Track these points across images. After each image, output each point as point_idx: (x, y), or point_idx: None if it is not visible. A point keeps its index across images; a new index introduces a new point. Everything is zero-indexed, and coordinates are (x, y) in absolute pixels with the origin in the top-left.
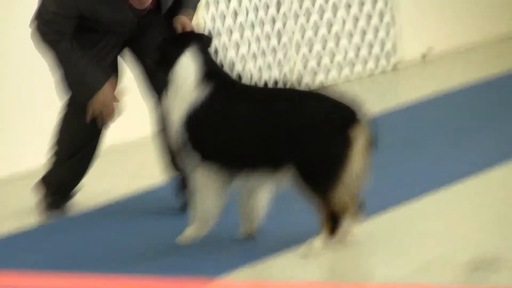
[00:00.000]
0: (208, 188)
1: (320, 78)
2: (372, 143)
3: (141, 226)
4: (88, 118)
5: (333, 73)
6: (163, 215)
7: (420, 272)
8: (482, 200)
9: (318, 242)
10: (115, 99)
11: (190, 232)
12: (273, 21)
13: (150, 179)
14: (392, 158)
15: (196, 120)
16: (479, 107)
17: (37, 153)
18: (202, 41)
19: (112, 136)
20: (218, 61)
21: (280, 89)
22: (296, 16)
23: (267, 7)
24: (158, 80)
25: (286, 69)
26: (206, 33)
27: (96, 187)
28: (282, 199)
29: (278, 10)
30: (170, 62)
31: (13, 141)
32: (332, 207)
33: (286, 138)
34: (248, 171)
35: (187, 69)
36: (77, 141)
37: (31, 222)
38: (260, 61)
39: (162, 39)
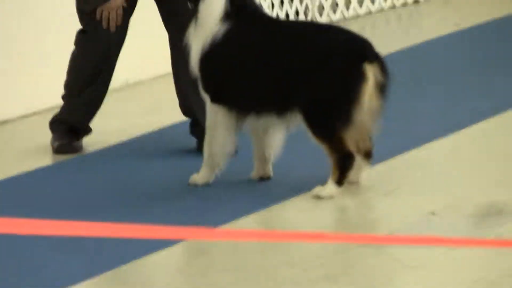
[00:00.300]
0: (219, 126)
1: (341, 10)
2: (387, 81)
3: (154, 166)
4: (98, 17)
5: (355, 5)
6: (177, 154)
7: (429, 220)
8: (492, 144)
9: (329, 185)
10: (122, 3)
11: (201, 174)
12: None
13: (166, 117)
14: (406, 97)
15: (209, 59)
16: (498, 45)
17: (52, 91)
18: None
19: (128, 73)
20: None
21: (297, 24)
22: None
23: None
24: (177, 19)
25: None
26: None
27: (110, 126)
28: (296, 140)
29: None
30: None
31: (28, 80)
32: (343, 149)
33: (296, 77)
34: (256, 113)
35: (214, 3)
36: (85, 76)
37: (46, 161)
38: None
39: None
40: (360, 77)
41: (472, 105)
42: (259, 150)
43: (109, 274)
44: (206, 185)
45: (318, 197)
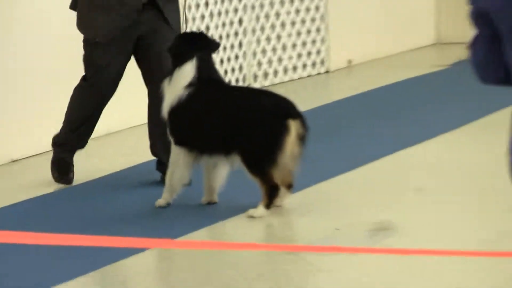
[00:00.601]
0: (180, 163)
1: (270, 78)
2: (306, 133)
3: (128, 194)
4: None
5: (281, 74)
6: (146, 185)
7: (334, 234)
8: (382, 179)
9: (260, 208)
10: None
11: (163, 197)
12: (236, 34)
13: (138, 158)
14: (319, 141)
15: (175, 113)
16: (393, 102)
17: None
18: (210, 47)
19: (108, 123)
20: (212, 66)
21: (240, 89)
22: (254, 31)
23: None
24: (154, 76)
25: (245, 71)
26: (214, 39)
27: (93, 165)
28: (235, 175)
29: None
30: (177, 62)
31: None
32: (270, 183)
33: (235, 130)
34: (208, 154)
35: (185, 72)
36: (81, 116)
37: (46, 192)
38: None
39: (178, 39)
40: (284, 131)
41: (369, 148)
42: (208, 181)
43: (90, 275)
44: (167, 205)
45: (251, 217)
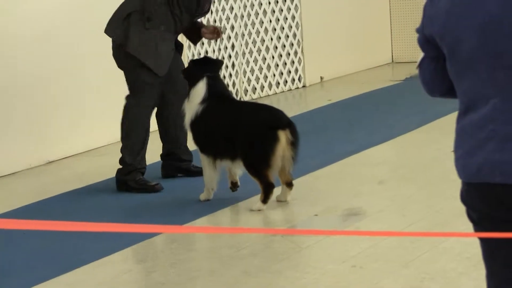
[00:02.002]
0: (206, 166)
1: (258, 91)
2: (296, 140)
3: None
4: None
5: (266, 90)
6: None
7: (314, 219)
8: (359, 171)
9: (258, 203)
10: None
11: (204, 194)
12: (229, 57)
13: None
14: (302, 143)
15: (195, 125)
16: (359, 110)
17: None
18: (216, 67)
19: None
20: (221, 82)
21: (243, 104)
22: (244, 54)
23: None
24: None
25: (237, 86)
26: (218, 58)
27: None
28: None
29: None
30: (192, 83)
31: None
32: (266, 182)
33: (237, 139)
34: (219, 159)
35: (199, 90)
36: (145, 128)
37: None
38: None
39: (190, 64)
40: (274, 140)
41: (341, 148)
42: (230, 176)
43: (118, 253)
44: (208, 200)
45: (251, 210)
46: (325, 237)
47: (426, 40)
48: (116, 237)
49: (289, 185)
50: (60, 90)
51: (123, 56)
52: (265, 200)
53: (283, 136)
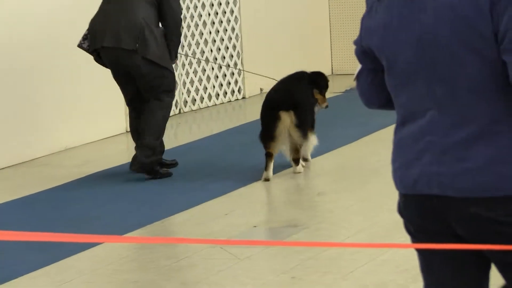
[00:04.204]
0: None
1: (197, 103)
2: (298, 121)
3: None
4: None
5: (206, 101)
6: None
7: (253, 230)
8: (299, 182)
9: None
10: None
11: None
12: None
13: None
14: (239, 155)
15: None
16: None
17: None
18: None
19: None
20: None
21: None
22: (183, 65)
23: None
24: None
25: (176, 98)
26: None
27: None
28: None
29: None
30: None
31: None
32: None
33: None
34: None
35: None
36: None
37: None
38: None
39: None
40: (276, 119)
41: (279, 159)
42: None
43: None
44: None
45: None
46: (264, 248)
47: (363, 52)
48: (54, 247)
49: (296, 161)
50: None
51: (145, 63)
52: (266, 167)
53: (285, 117)
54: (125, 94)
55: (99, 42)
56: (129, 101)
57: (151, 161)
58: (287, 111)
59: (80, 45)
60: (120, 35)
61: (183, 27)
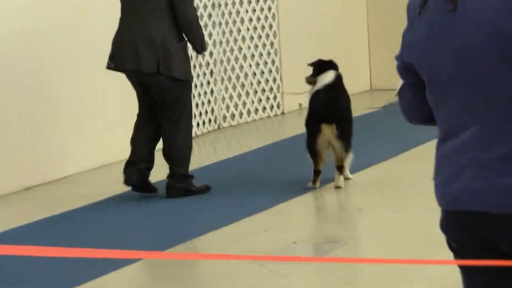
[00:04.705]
0: None
1: (236, 119)
2: (340, 134)
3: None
4: None
5: (245, 116)
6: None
7: (292, 246)
8: (338, 198)
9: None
10: None
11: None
12: (208, 83)
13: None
14: (279, 170)
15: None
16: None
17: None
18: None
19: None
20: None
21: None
22: (222, 80)
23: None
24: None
25: (216, 113)
26: None
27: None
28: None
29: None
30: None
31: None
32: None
33: None
34: None
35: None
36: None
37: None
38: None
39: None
40: (317, 131)
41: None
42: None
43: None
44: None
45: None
46: (304, 265)
47: (405, 67)
48: (90, 265)
49: (340, 169)
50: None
51: (169, 80)
52: (313, 181)
53: (326, 130)
54: (141, 101)
55: (120, 65)
56: (142, 108)
57: (185, 185)
58: (330, 124)
59: (109, 67)
60: (140, 56)
61: (222, 42)
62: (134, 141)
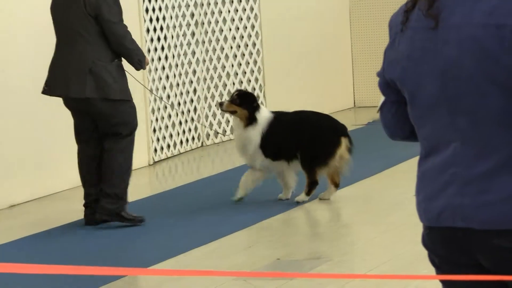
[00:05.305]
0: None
1: (219, 136)
2: (352, 147)
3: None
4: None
5: (229, 133)
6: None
7: (276, 263)
8: (323, 214)
9: (302, 195)
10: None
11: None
12: (191, 101)
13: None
14: (266, 185)
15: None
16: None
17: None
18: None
19: None
20: None
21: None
22: (206, 98)
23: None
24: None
25: (199, 131)
26: None
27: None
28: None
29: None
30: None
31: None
32: (313, 178)
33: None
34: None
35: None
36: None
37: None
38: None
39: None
40: (337, 143)
41: (302, 191)
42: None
43: None
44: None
45: (297, 202)
46: (288, 281)
47: (386, 84)
48: (77, 281)
49: (337, 185)
50: (24, 135)
51: (105, 103)
52: (308, 192)
53: (344, 142)
54: (77, 127)
55: (52, 91)
56: (78, 134)
57: (117, 207)
58: (346, 136)
59: (43, 92)
60: (69, 82)
61: (205, 60)
62: (86, 173)
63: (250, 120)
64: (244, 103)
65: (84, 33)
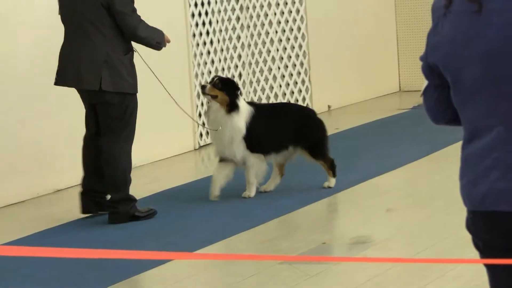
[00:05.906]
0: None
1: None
2: None
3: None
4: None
5: None
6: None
7: (321, 247)
8: (367, 199)
9: (331, 179)
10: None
11: (251, 190)
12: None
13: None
14: (309, 171)
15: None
16: (366, 138)
17: None
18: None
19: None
20: None
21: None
22: (251, 83)
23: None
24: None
25: None
26: None
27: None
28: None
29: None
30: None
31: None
32: (330, 160)
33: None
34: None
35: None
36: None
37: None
38: None
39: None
40: (323, 124)
41: (348, 176)
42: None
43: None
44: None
45: (329, 187)
46: (333, 265)
47: (429, 68)
48: (118, 266)
49: (282, 175)
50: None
51: (116, 96)
52: (334, 173)
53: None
54: (87, 115)
55: (64, 81)
56: (88, 120)
57: (129, 209)
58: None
59: (56, 82)
60: (82, 74)
61: (250, 44)
62: (85, 168)
63: (231, 106)
64: (225, 89)
65: (97, 24)
